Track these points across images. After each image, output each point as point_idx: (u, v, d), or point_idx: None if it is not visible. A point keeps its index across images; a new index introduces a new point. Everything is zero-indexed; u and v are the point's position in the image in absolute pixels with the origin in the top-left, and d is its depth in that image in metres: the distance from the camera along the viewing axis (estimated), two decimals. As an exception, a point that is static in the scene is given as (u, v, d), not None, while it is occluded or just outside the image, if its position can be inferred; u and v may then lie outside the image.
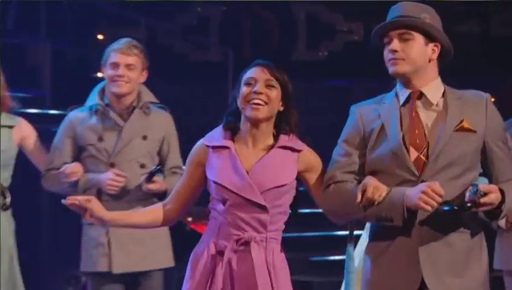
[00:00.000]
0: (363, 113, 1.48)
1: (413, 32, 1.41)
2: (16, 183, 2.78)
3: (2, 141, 2.41)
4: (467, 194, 1.31)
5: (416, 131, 1.41)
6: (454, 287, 1.38)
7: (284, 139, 1.50)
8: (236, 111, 1.49)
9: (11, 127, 2.51)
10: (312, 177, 1.52)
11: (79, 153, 2.44)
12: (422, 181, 1.33)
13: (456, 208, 1.34)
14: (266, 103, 1.44)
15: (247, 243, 1.44)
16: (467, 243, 1.40)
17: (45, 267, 4.70)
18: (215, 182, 1.45)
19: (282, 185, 1.45)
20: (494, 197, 1.31)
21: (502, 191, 1.35)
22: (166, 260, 2.51)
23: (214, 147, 1.48)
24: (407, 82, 1.44)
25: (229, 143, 1.48)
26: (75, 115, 2.46)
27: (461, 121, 1.41)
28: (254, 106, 1.42)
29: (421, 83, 1.44)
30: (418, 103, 1.44)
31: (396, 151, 1.38)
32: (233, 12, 7.92)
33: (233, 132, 1.51)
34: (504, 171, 1.45)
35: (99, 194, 2.31)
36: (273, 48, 7.66)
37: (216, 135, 1.51)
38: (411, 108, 1.44)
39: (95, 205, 1.46)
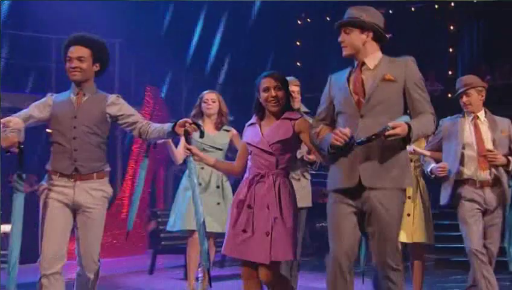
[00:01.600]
0: (333, 79, 2.36)
1: (350, 27, 2.24)
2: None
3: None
4: (377, 129, 1.98)
5: (357, 84, 2.22)
6: (379, 182, 2.15)
7: (287, 114, 2.50)
8: (261, 105, 2.54)
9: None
10: (304, 136, 2.47)
11: None
12: (362, 115, 2.14)
13: (364, 140, 2.02)
14: (278, 101, 2.46)
15: (263, 176, 2.48)
16: (389, 159, 2.17)
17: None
18: (246, 141, 2.59)
19: (282, 140, 2.44)
20: (399, 130, 1.99)
21: (409, 125, 2.05)
22: None
23: (248, 125, 2.62)
24: (354, 58, 2.27)
25: (256, 121, 2.58)
26: None
27: (384, 75, 2.19)
28: (272, 105, 2.46)
29: (362, 56, 2.24)
30: (363, 68, 2.25)
31: (346, 96, 2.23)
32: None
33: (260, 116, 2.57)
34: (418, 106, 2.20)
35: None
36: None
37: (252, 119, 2.63)
38: (356, 71, 2.26)
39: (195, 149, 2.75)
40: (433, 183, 3.90)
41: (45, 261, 2.65)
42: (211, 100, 3.85)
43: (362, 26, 2.30)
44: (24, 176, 2.75)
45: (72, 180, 2.67)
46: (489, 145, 3.55)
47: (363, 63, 2.32)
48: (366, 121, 2.20)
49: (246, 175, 2.68)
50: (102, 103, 2.80)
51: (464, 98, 3.61)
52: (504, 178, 3.47)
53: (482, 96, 3.65)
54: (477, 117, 3.66)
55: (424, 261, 3.99)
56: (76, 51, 2.68)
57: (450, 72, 10.07)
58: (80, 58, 2.66)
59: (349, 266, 2.28)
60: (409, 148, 3.02)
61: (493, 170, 3.47)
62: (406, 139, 2.15)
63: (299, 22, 11.48)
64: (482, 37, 10.27)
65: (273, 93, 2.55)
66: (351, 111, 2.26)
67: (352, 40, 2.31)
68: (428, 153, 3.71)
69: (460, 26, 10.20)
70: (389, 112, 2.20)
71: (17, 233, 2.71)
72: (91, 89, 2.76)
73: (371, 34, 2.30)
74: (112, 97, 2.85)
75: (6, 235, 4.96)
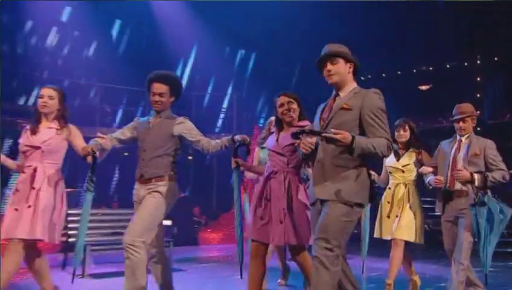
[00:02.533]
0: (320, 107, 2.59)
1: (337, 58, 2.43)
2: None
3: None
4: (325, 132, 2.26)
5: (326, 111, 2.49)
6: (322, 190, 2.37)
7: (298, 124, 2.89)
8: (279, 119, 3.00)
9: None
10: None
11: None
12: (325, 137, 2.23)
13: (299, 132, 2.32)
14: (291, 113, 2.91)
15: (276, 173, 2.90)
16: (340, 170, 2.36)
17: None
18: (266, 147, 3.16)
19: (292, 143, 2.69)
20: (339, 136, 2.18)
21: (353, 137, 2.21)
22: None
23: (269, 133, 3.34)
24: (336, 87, 2.49)
25: (276, 131, 3.03)
26: None
27: (343, 104, 2.40)
28: (287, 117, 2.91)
29: (341, 86, 2.47)
30: (337, 98, 2.48)
31: (316, 121, 2.57)
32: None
33: (279, 128, 3.01)
34: (372, 131, 2.34)
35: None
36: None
37: (273, 130, 3.17)
38: (330, 100, 2.53)
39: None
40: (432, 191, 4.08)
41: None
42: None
43: (346, 58, 2.53)
44: (94, 179, 3.17)
45: (139, 184, 3.19)
46: (459, 165, 3.72)
47: (338, 94, 2.58)
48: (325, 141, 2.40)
49: (264, 173, 3.15)
50: (171, 123, 3.24)
51: (460, 124, 3.81)
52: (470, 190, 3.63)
53: (474, 123, 3.89)
54: (461, 141, 3.86)
55: (404, 256, 4.04)
56: (158, 87, 3.17)
57: (478, 112, 12.20)
58: (161, 94, 3.16)
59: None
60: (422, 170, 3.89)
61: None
62: (350, 150, 2.28)
63: (362, 78, 13.85)
64: (502, 85, 12.35)
65: (286, 106, 3.01)
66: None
67: (339, 68, 2.50)
68: (430, 169, 3.94)
69: (485, 77, 12.55)
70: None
71: (84, 223, 3.24)
72: (166, 113, 3.27)
73: (352, 66, 2.55)
74: (180, 118, 3.32)
75: (167, 227, 6.00)
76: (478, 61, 12.56)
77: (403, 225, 3.99)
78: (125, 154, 10.85)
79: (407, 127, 4.15)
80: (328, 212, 2.39)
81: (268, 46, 13.38)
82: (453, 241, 3.69)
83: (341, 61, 2.51)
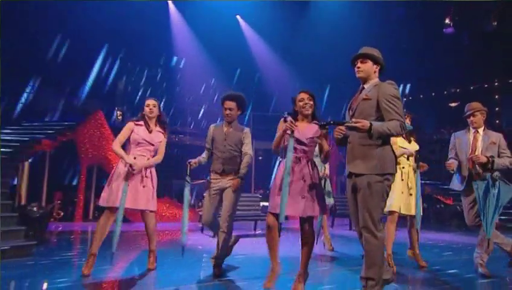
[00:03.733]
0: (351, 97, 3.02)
1: (367, 58, 2.86)
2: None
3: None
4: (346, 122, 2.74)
5: (354, 102, 2.93)
6: (356, 166, 2.79)
7: (315, 121, 3.33)
8: (295, 112, 3.38)
9: None
10: (321, 138, 3.29)
11: None
12: (347, 126, 2.70)
13: (325, 123, 2.94)
14: (309, 108, 3.31)
15: (299, 159, 3.28)
16: (367, 149, 2.76)
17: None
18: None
19: (311, 137, 3.28)
20: (359, 124, 2.62)
21: (371, 124, 2.61)
22: None
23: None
24: (362, 81, 2.92)
25: (295, 122, 3.23)
26: None
27: (365, 95, 2.84)
28: (305, 110, 3.31)
29: (366, 81, 2.89)
30: (362, 90, 2.90)
31: (347, 110, 2.98)
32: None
33: (294, 117, 3.34)
34: (386, 115, 2.72)
35: None
36: None
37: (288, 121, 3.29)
38: (358, 92, 2.95)
39: None
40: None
41: (204, 222, 4.22)
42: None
43: (374, 60, 2.92)
44: (189, 179, 4.06)
45: (220, 176, 4.05)
46: (478, 151, 4.22)
47: (363, 88, 2.96)
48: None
49: (281, 159, 3.48)
50: (240, 132, 4.07)
51: (471, 118, 4.36)
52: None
53: (484, 117, 4.33)
54: (477, 132, 4.36)
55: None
56: (228, 104, 4.01)
57: (497, 121, 14.56)
58: (230, 109, 3.98)
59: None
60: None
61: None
62: (369, 133, 2.65)
63: (405, 99, 16.01)
64: None
65: (306, 101, 3.39)
66: (348, 119, 2.94)
67: (366, 67, 2.91)
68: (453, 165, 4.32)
69: (501, 95, 14.72)
70: (367, 120, 2.75)
71: (186, 210, 4.04)
72: (235, 123, 4.08)
73: (379, 67, 2.94)
74: (246, 129, 4.15)
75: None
76: (496, 83, 14.99)
77: (413, 202, 4.48)
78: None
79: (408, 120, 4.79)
80: (365, 186, 2.75)
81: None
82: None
83: (369, 61, 2.95)
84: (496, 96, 14.86)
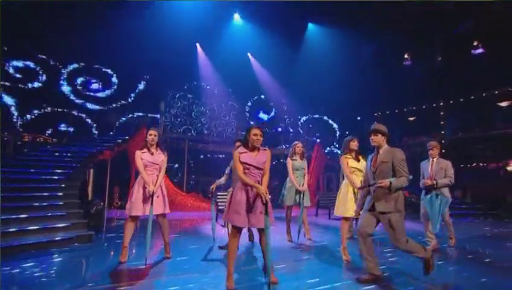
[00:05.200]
0: (370, 157, 4.21)
1: (378, 133, 4.04)
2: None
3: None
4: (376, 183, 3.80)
5: (374, 162, 4.02)
6: (380, 206, 3.88)
7: (261, 148, 4.01)
8: (248, 141, 3.97)
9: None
10: (268, 162, 3.95)
11: None
12: (374, 177, 3.92)
13: (367, 185, 4.09)
14: (261, 141, 3.98)
15: (259, 182, 3.90)
16: (388, 195, 3.81)
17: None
18: (244, 161, 3.89)
19: (265, 161, 3.96)
20: (383, 184, 3.69)
21: (390, 183, 3.68)
22: None
23: (241, 153, 3.96)
24: (376, 147, 4.08)
25: (246, 150, 3.97)
26: None
27: (383, 159, 3.93)
28: (257, 143, 3.97)
29: (379, 147, 4.04)
30: (378, 154, 4.01)
31: (369, 168, 4.11)
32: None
33: (247, 147, 3.97)
34: (398, 172, 3.80)
35: None
36: None
37: (240, 149, 3.97)
38: (375, 154, 4.04)
39: None
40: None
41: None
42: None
43: (382, 133, 4.02)
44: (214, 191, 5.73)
45: None
46: (432, 174, 5.95)
47: (378, 152, 3.97)
48: (375, 180, 3.81)
49: (237, 185, 3.97)
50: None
51: (430, 152, 6.11)
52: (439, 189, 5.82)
53: (438, 150, 6.09)
54: (433, 161, 6.09)
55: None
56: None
57: (442, 132, 16.96)
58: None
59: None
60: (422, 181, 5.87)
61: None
62: (389, 189, 3.72)
63: (375, 114, 18.90)
64: (459, 117, 16.66)
65: (258, 137, 4.00)
66: (370, 175, 3.92)
67: (378, 138, 4.02)
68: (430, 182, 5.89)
69: (446, 112, 17.02)
70: (385, 177, 3.81)
71: (212, 205, 5.91)
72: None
73: (385, 137, 4.03)
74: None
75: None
76: (441, 103, 17.28)
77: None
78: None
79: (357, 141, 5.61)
80: (392, 219, 3.85)
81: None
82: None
83: (379, 135, 4.06)
84: (441, 113, 17.25)
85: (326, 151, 17.60)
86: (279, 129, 18.26)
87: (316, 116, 19.40)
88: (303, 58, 17.19)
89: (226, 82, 16.85)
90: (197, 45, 16.98)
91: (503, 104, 15.34)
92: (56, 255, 5.71)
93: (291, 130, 18.42)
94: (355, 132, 16.05)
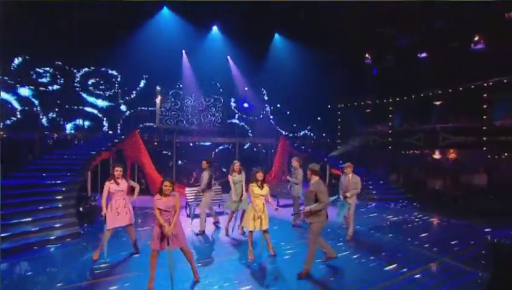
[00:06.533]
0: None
1: (310, 171, 5.93)
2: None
3: None
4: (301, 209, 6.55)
5: (307, 189, 5.89)
6: (308, 219, 5.73)
7: (172, 193, 5.32)
8: (162, 190, 5.35)
9: None
10: (177, 204, 5.34)
11: None
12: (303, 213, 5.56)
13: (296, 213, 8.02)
14: (171, 191, 5.35)
15: (168, 220, 5.27)
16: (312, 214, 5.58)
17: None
18: (157, 207, 5.27)
19: (172, 205, 5.31)
20: (306, 210, 5.55)
21: (310, 209, 5.49)
22: None
23: (157, 199, 5.30)
24: (309, 179, 5.88)
25: (160, 197, 5.35)
26: None
27: (310, 189, 5.75)
28: (167, 193, 5.33)
29: (310, 179, 5.89)
30: (310, 184, 5.91)
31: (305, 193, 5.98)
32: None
33: (161, 194, 5.37)
34: (319, 199, 5.57)
35: None
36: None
37: (157, 196, 5.32)
38: (308, 184, 5.97)
39: None
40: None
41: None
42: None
43: (313, 172, 5.67)
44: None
45: None
46: (348, 187, 7.97)
47: (311, 183, 5.42)
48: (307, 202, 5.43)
49: (156, 221, 5.04)
50: None
51: (345, 170, 8.30)
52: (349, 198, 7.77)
53: (352, 168, 8.12)
54: (348, 176, 8.10)
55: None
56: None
57: (389, 123, 19.10)
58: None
59: None
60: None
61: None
62: (310, 212, 5.42)
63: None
64: (404, 111, 18.83)
65: (168, 188, 5.02)
66: (307, 198, 5.52)
67: (310, 175, 5.63)
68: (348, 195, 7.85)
69: (394, 108, 19.61)
70: (310, 202, 5.48)
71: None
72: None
73: (315, 175, 5.62)
74: None
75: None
76: (390, 100, 19.05)
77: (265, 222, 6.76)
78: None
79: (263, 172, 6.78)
80: (313, 227, 5.48)
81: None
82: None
83: (310, 172, 5.63)
84: (390, 108, 19.42)
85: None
86: (257, 118, 20.67)
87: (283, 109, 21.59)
88: (272, 59, 19.87)
89: (212, 80, 19.49)
90: (183, 51, 19.34)
91: (437, 103, 18.40)
92: (49, 251, 7.38)
93: (271, 117, 20.79)
94: (326, 121, 19.55)
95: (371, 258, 7.37)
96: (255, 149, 19.80)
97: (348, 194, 7.98)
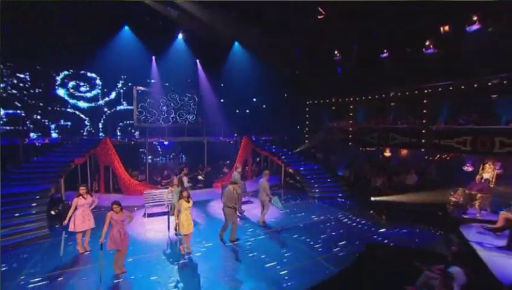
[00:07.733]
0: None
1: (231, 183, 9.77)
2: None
3: None
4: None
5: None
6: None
7: (125, 211, 7.81)
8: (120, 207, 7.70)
9: None
10: (128, 219, 7.88)
11: None
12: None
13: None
14: (118, 209, 7.82)
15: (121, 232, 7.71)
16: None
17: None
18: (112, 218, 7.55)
19: (122, 220, 7.84)
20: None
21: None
22: None
23: (111, 215, 7.94)
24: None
25: (115, 210, 7.77)
26: None
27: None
28: (118, 212, 7.82)
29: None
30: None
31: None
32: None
33: (114, 211, 7.67)
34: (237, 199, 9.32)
35: None
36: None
37: (113, 213, 7.77)
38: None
39: None
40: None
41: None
42: None
43: (232, 183, 9.33)
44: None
45: None
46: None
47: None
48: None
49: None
50: None
51: (265, 176, 11.58)
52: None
53: (268, 175, 11.55)
54: (266, 179, 11.39)
55: None
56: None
57: (353, 120, 20.30)
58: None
59: None
60: None
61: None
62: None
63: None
64: (327, 110, 20.75)
65: (119, 209, 7.40)
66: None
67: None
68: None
69: (354, 105, 20.83)
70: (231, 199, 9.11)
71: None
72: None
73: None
74: None
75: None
76: (351, 98, 19.44)
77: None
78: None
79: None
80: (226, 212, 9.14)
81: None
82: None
83: (233, 183, 9.25)
84: (351, 106, 19.80)
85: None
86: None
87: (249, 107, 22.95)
88: (236, 61, 21.21)
89: (183, 80, 21.15)
90: (153, 58, 20.36)
91: (393, 104, 19.24)
92: (21, 251, 9.12)
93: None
94: (295, 117, 20.89)
95: (262, 257, 9.12)
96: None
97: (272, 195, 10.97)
